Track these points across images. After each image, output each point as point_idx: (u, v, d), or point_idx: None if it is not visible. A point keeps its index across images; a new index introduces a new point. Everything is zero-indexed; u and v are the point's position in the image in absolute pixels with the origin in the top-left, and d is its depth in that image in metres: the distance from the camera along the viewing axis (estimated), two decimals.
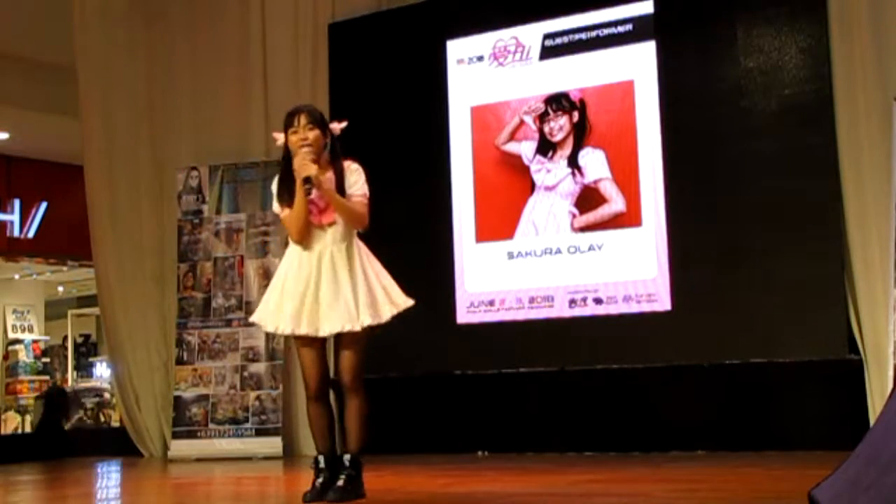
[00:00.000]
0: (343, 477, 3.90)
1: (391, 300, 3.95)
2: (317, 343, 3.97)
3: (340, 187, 3.93)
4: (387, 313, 3.94)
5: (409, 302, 4.02)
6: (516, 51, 6.88)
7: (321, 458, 3.99)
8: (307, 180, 3.85)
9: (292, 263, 3.93)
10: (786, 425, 5.89)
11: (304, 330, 3.86)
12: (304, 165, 3.84)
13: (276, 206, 4.02)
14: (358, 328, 3.85)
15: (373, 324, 3.88)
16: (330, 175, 3.93)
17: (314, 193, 3.88)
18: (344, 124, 4.05)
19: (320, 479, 3.93)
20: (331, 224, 3.93)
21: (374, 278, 3.96)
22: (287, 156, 3.96)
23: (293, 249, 3.95)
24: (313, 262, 3.89)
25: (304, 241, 3.90)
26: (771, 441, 5.86)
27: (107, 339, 8.40)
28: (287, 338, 7.29)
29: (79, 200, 8.30)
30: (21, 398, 12.72)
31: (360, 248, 4.01)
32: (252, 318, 4.09)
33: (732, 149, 6.14)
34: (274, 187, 4.03)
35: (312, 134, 3.89)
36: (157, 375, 7.90)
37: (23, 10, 8.46)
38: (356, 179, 3.99)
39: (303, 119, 3.90)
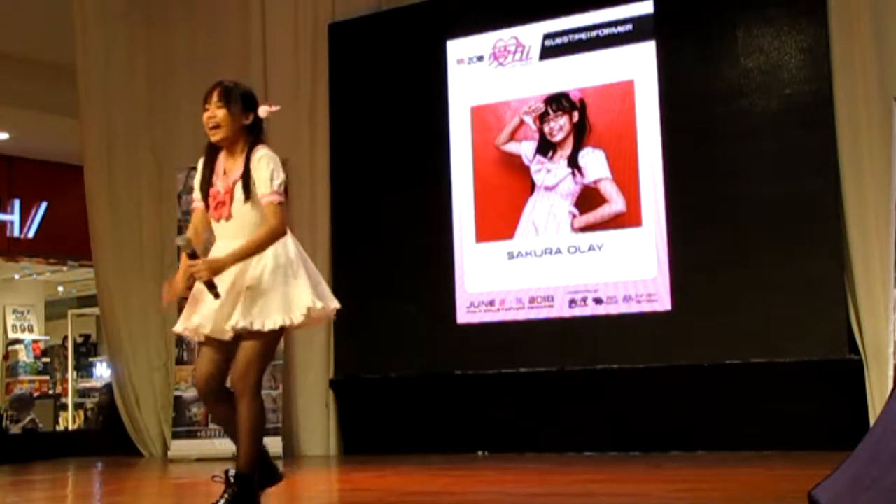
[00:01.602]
0: (225, 495, 3.33)
1: (286, 309, 3.39)
2: (216, 344, 3.47)
3: (246, 182, 3.44)
4: (269, 324, 3.37)
5: (316, 305, 3.42)
6: (516, 51, 6.88)
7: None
8: (210, 285, 3.38)
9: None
10: (786, 425, 5.89)
11: (181, 328, 3.49)
12: (198, 273, 3.39)
13: (196, 195, 3.62)
14: (229, 332, 3.38)
15: (247, 328, 3.36)
16: (239, 165, 3.48)
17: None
18: (275, 108, 3.64)
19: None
20: (228, 219, 3.48)
21: (281, 279, 3.41)
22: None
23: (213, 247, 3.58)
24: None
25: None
26: (771, 441, 5.86)
27: (107, 339, 8.40)
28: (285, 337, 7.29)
29: (79, 200, 8.30)
30: None
31: (274, 248, 3.44)
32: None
33: (732, 149, 6.14)
34: (198, 170, 3.62)
35: (221, 113, 3.48)
36: (157, 375, 7.90)
37: (23, 10, 8.46)
38: (262, 173, 3.42)
39: (214, 95, 3.50)
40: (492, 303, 6.78)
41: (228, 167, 3.53)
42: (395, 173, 7.26)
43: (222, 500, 3.33)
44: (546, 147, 6.72)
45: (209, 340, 3.50)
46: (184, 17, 8.23)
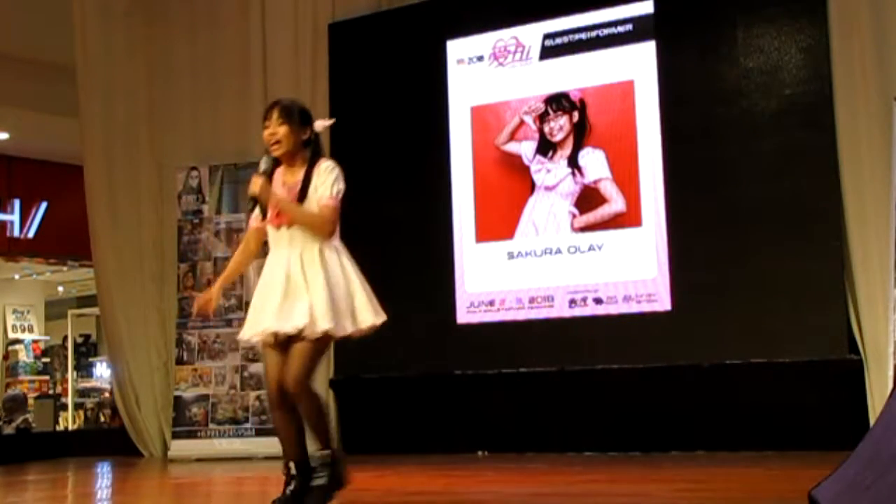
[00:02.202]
0: (324, 475, 3.68)
1: (354, 316, 3.67)
2: (278, 348, 3.66)
3: (304, 188, 3.67)
4: (347, 328, 3.65)
5: (374, 321, 3.71)
6: (516, 51, 6.88)
7: (292, 465, 3.74)
8: (253, 200, 3.66)
9: (263, 269, 3.75)
10: (786, 425, 5.89)
11: (260, 332, 3.65)
12: (252, 183, 3.66)
13: (256, 212, 3.81)
14: (311, 332, 3.56)
15: (329, 331, 3.58)
16: (299, 178, 3.69)
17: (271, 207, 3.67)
18: (329, 122, 3.88)
19: (291, 487, 3.71)
20: (290, 225, 3.67)
21: (342, 289, 3.65)
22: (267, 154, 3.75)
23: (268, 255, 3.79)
24: (276, 264, 3.67)
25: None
26: (771, 441, 5.86)
27: (106, 339, 8.40)
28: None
29: (79, 200, 8.30)
30: None
31: (333, 255, 3.68)
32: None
33: (732, 149, 6.14)
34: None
35: (282, 129, 3.67)
36: (157, 375, 7.90)
37: (23, 10, 8.45)
38: (324, 180, 3.68)
39: (275, 113, 3.69)
40: (492, 303, 6.78)
41: (287, 179, 3.73)
42: (395, 173, 7.26)
43: (320, 480, 3.65)
44: (546, 147, 6.72)
45: (270, 345, 3.68)
46: (184, 16, 8.23)
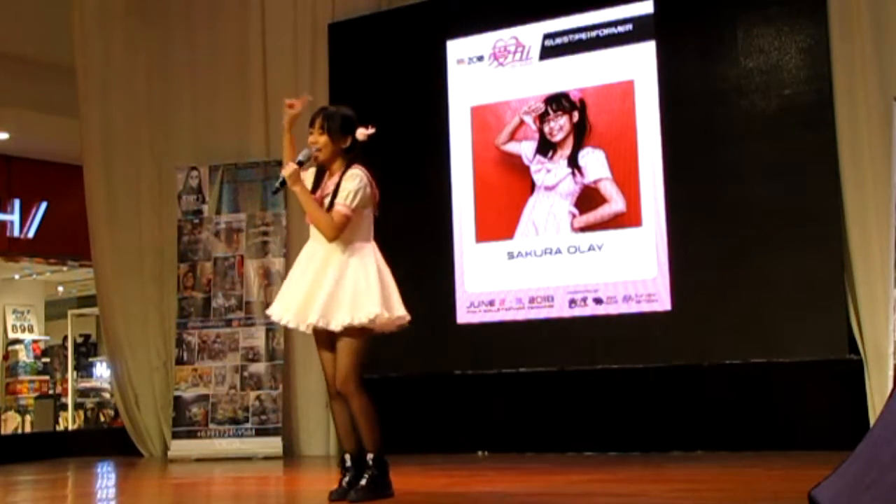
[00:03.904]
0: (366, 476, 3.93)
1: (353, 310, 3.88)
2: (328, 344, 4.00)
3: (335, 194, 3.97)
4: (334, 324, 3.86)
5: (357, 320, 3.89)
6: (516, 51, 6.88)
7: (347, 457, 4.03)
8: (282, 183, 3.94)
9: (300, 254, 4.08)
10: (786, 425, 5.89)
11: (288, 320, 3.94)
12: (285, 167, 3.96)
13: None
14: (325, 325, 3.87)
15: (348, 324, 3.85)
16: (335, 181, 3.98)
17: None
18: (370, 131, 4.07)
19: (346, 478, 3.98)
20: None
21: (350, 285, 3.91)
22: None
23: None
24: (309, 254, 4.00)
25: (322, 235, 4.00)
26: (771, 441, 5.86)
27: (106, 339, 8.40)
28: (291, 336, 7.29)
29: (79, 200, 8.30)
30: (21, 398, 12.72)
31: (361, 250, 4.01)
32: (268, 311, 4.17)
33: (732, 149, 6.14)
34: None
35: (322, 139, 3.95)
36: (156, 375, 7.90)
37: (23, 10, 8.46)
38: (345, 187, 3.96)
39: (318, 121, 3.98)
40: (492, 303, 6.77)
41: (328, 183, 4.02)
42: (395, 173, 7.22)
43: (364, 480, 3.88)
44: (546, 147, 6.72)
45: (320, 342, 4.00)
46: (183, 16, 8.23)
